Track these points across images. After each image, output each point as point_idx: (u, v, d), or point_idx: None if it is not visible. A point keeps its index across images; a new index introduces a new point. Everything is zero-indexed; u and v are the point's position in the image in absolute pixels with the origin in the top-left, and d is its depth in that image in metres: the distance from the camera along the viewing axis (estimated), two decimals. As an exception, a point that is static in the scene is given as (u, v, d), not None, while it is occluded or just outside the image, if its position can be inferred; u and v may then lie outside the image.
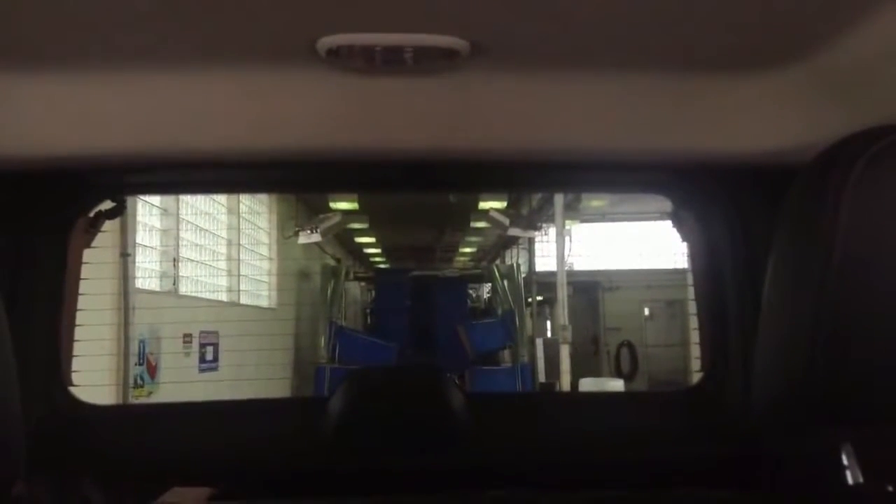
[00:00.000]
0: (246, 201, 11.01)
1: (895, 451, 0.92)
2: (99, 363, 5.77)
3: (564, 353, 10.19)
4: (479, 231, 15.11)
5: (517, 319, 11.73)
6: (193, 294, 9.07)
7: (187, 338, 8.44)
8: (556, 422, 1.93)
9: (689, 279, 2.01)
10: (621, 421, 1.92)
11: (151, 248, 8.04)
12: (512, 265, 13.56)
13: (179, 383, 7.49)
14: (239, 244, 10.66)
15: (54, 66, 1.28)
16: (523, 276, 12.80)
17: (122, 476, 1.71)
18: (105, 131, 1.50)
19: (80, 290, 1.86)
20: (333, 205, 11.25)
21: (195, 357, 8.63)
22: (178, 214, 8.55)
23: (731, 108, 1.42)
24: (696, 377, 2.01)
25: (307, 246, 11.92)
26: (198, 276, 9.33)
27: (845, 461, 0.96)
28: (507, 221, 10.92)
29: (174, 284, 8.45)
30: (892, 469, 0.95)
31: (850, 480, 0.96)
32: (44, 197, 1.71)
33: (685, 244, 1.96)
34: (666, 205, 1.99)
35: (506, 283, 12.19)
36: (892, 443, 0.93)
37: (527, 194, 11.74)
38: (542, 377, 11.29)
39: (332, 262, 13.83)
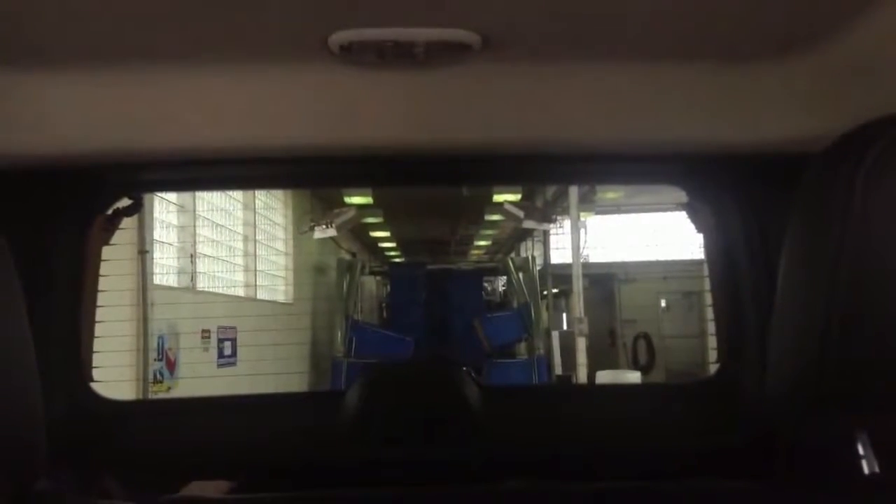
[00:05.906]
0: (261, 197, 11.05)
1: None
2: (118, 359, 5.82)
3: (581, 345, 10.17)
4: (493, 224, 15.08)
5: (533, 312, 11.70)
6: (211, 290, 9.12)
7: (205, 333, 8.47)
8: (574, 414, 1.93)
9: (706, 270, 2.01)
10: (638, 412, 1.93)
11: (169, 244, 8.09)
12: (527, 258, 13.53)
13: (198, 378, 7.54)
14: (255, 240, 10.71)
15: (70, 64, 1.29)
16: (538, 268, 12.77)
17: (143, 470, 1.73)
18: (121, 129, 1.51)
19: (100, 287, 1.88)
20: (348, 199, 11.28)
21: (213, 352, 8.66)
22: (194, 211, 8.59)
23: (744, 97, 1.42)
24: (713, 368, 2.01)
25: (323, 241, 11.95)
26: (215, 271, 9.38)
27: (861, 450, 0.96)
28: (521, 214, 10.90)
29: (192, 280, 8.50)
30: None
31: (866, 469, 0.96)
32: (61, 195, 1.73)
33: (700, 235, 1.96)
34: (681, 195, 1.98)
35: (521, 275, 12.16)
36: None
37: (540, 187, 11.72)
38: (558, 370, 11.28)
39: (347, 257, 13.85)
